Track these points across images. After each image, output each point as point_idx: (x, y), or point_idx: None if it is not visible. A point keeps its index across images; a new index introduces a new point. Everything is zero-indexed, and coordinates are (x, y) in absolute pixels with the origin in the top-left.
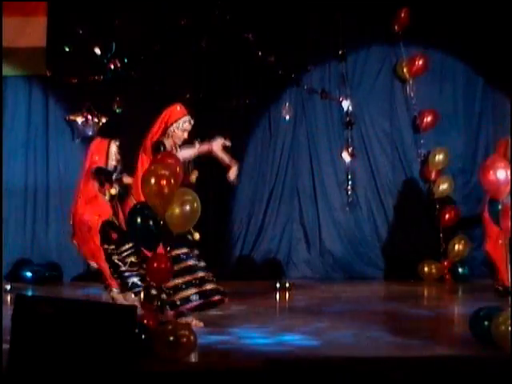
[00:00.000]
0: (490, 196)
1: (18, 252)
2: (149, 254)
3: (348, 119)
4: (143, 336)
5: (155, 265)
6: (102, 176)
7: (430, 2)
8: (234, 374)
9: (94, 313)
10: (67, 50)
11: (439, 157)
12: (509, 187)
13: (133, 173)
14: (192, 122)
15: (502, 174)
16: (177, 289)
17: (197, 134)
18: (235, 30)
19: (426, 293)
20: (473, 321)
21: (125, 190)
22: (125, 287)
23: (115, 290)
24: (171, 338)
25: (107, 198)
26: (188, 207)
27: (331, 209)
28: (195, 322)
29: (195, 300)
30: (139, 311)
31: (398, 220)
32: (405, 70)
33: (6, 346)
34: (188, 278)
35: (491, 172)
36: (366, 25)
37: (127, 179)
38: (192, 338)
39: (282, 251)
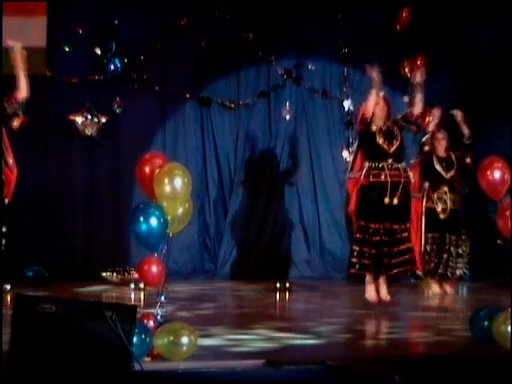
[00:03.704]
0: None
1: (18, 252)
2: None
3: (349, 119)
4: (143, 336)
5: (146, 267)
6: None
7: (430, 2)
8: (233, 373)
9: (94, 312)
10: (67, 49)
11: None
12: (506, 187)
13: None
14: None
15: (499, 174)
16: None
17: (197, 134)
18: (235, 30)
19: (425, 293)
20: (473, 321)
21: None
22: None
23: None
24: (171, 338)
25: None
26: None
27: (331, 209)
28: None
29: None
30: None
31: None
32: (405, 69)
33: (5, 346)
34: None
35: (489, 172)
36: (367, 25)
37: None
38: (192, 337)
39: (282, 251)
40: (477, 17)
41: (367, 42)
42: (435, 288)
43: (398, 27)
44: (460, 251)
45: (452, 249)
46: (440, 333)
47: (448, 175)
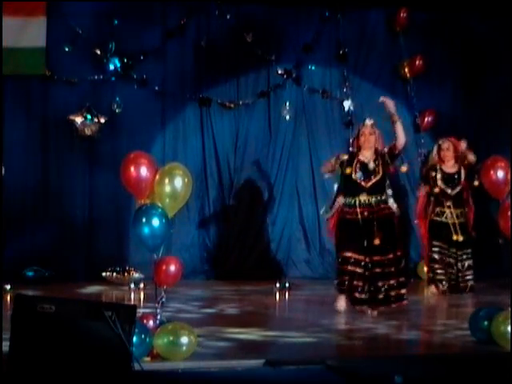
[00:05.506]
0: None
1: (18, 252)
2: None
3: (349, 119)
4: (143, 336)
5: (164, 267)
6: None
7: (430, 2)
8: (233, 373)
9: (94, 312)
10: (67, 50)
11: None
12: (508, 187)
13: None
14: None
15: (502, 173)
16: None
17: (197, 134)
18: (235, 30)
19: (425, 292)
20: (473, 321)
21: None
22: None
23: None
24: (171, 338)
25: None
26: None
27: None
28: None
29: None
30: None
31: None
32: (405, 69)
33: (5, 346)
34: None
35: (491, 172)
36: (367, 25)
37: None
38: (192, 337)
39: (282, 251)
40: (477, 16)
41: (367, 42)
42: (435, 288)
43: (397, 27)
44: (470, 263)
45: (460, 264)
46: (440, 333)
47: (453, 192)
